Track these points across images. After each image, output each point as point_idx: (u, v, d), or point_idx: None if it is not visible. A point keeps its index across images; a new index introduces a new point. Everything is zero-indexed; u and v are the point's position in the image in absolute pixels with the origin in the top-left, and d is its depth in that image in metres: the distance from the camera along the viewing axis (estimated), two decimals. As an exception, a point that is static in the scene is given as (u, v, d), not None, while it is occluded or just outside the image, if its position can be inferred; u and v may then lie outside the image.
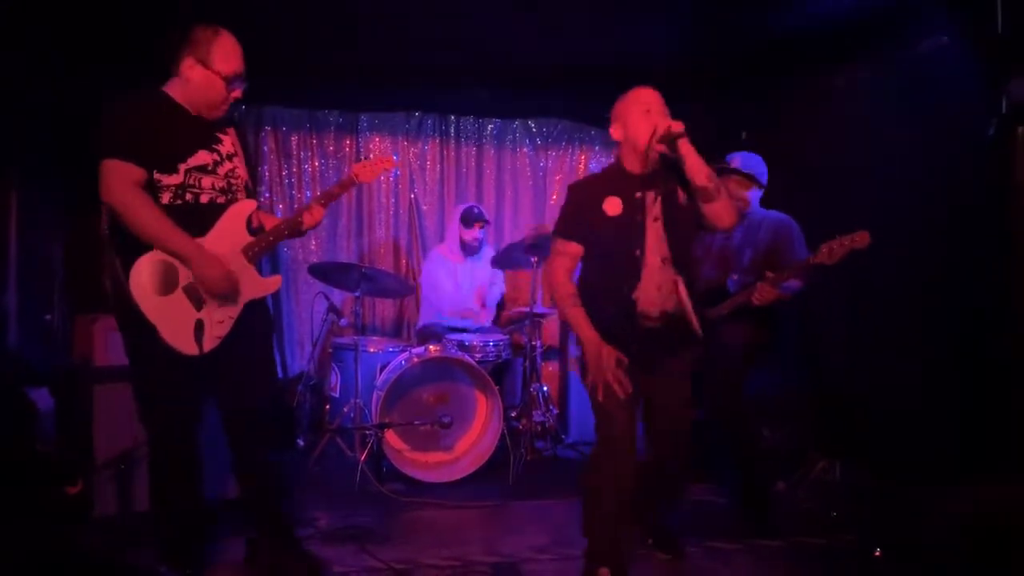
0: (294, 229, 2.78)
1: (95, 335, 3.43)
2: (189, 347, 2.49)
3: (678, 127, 2.56)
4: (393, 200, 5.64)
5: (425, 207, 5.68)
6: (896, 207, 3.78)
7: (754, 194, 3.59)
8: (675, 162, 2.63)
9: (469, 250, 4.93)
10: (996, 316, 3.35)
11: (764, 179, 3.60)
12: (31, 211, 4.06)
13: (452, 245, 4.96)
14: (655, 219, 2.67)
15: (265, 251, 2.72)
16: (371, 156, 2.83)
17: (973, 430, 3.41)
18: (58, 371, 3.72)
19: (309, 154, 5.48)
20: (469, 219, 4.84)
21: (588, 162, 5.86)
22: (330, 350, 4.76)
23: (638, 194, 2.68)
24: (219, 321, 2.57)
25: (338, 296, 5.14)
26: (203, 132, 2.64)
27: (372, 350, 4.46)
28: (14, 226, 3.94)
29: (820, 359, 4.46)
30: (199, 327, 2.50)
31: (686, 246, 2.76)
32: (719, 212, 2.63)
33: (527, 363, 4.64)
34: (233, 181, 2.67)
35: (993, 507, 2.51)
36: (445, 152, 5.71)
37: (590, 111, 5.61)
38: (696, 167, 2.57)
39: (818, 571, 3.06)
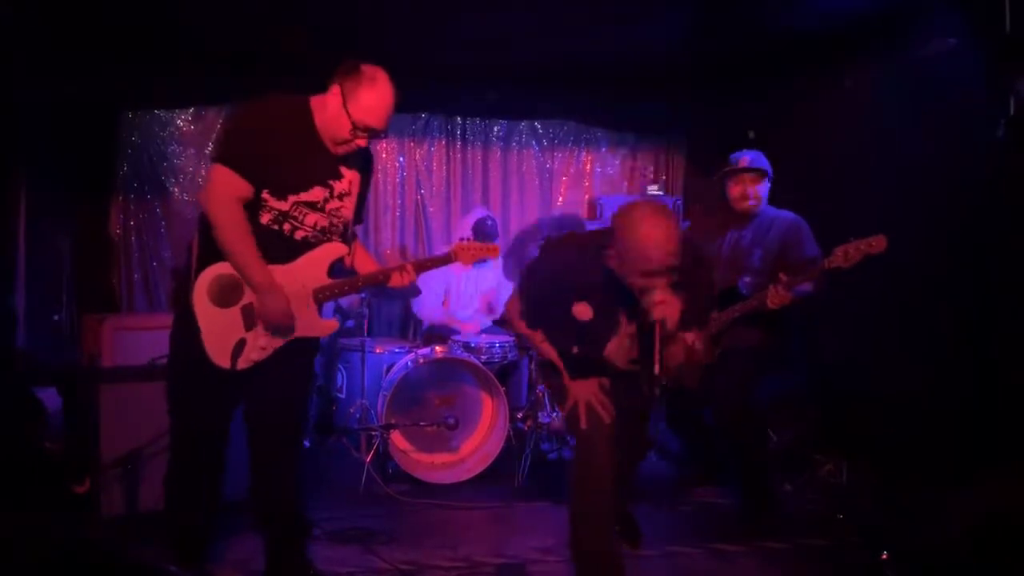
0: (374, 284, 2.74)
1: (103, 335, 3.45)
2: (223, 360, 2.49)
3: (682, 339, 2.33)
4: (399, 201, 5.65)
5: (431, 208, 5.68)
6: (903, 207, 3.77)
7: (764, 188, 3.59)
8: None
9: None
10: (1003, 316, 3.33)
11: (769, 170, 3.62)
12: (40, 211, 4.09)
13: (459, 248, 4.96)
14: (628, 336, 2.51)
15: (336, 297, 2.70)
16: (476, 240, 2.81)
17: (980, 430, 3.39)
18: (66, 370, 3.74)
19: (316, 155, 5.48)
20: (482, 233, 4.81)
21: (594, 163, 5.86)
22: (337, 351, 4.77)
23: (614, 312, 2.49)
24: (261, 347, 2.54)
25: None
26: (327, 165, 2.55)
27: (378, 351, 4.46)
28: (23, 226, 3.97)
29: (825, 361, 4.44)
30: (239, 345, 2.50)
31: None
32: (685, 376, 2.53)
33: (533, 365, 4.64)
34: (335, 221, 2.61)
35: (1001, 507, 2.50)
36: (452, 153, 5.71)
37: (596, 112, 5.61)
38: (671, 358, 2.35)
39: (824, 574, 3.05)
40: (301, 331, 2.59)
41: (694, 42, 4.52)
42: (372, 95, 2.46)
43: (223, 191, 2.41)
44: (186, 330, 2.50)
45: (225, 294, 2.49)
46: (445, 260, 2.86)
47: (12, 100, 3.83)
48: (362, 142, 2.52)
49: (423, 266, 2.88)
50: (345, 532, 3.32)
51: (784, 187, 3.69)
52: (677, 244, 2.25)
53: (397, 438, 4.13)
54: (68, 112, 4.35)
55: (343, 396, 4.58)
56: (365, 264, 2.79)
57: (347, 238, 2.70)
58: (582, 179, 5.84)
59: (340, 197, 2.59)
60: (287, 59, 4.71)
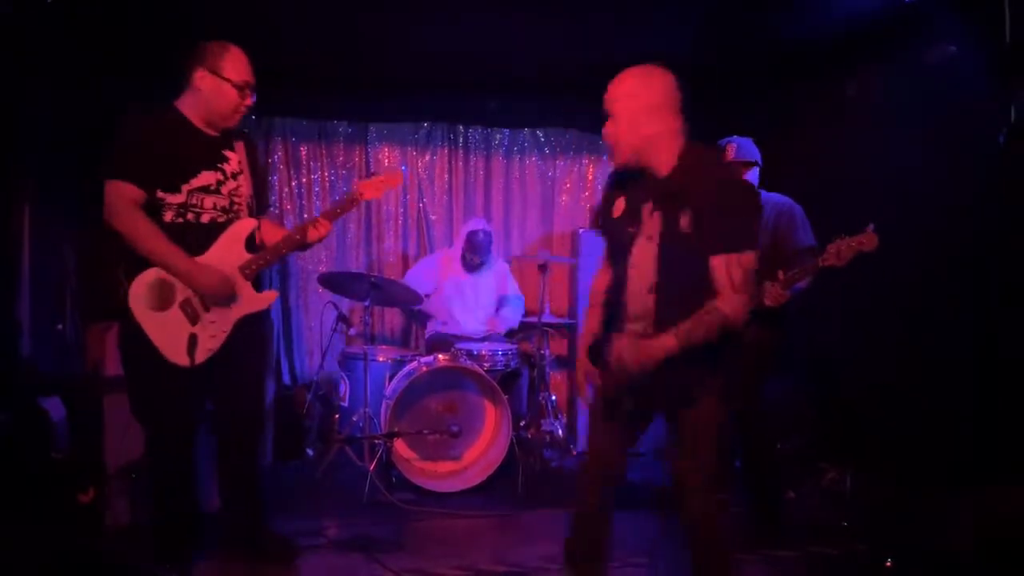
0: (295, 245, 2.84)
1: (107, 344, 3.46)
2: (181, 359, 2.62)
3: None
4: (402, 210, 5.67)
5: (434, 216, 5.69)
6: (905, 214, 3.77)
7: (753, 176, 3.59)
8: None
9: (469, 267, 4.96)
10: (1006, 321, 3.34)
11: (759, 158, 3.61)
12: (44, 221, 4.09)
13: (456, 254, 5.00)
14: (648, 238, 2.27)
15: (262, 268, 2.80)
16: (377, 172, 2.77)
17: (985, 436, 3.39)
18: (70, 380, 3.74)
19: (318, 164, 5.50)
20: (472, 244, 4.86)
21: (596, 171, 5.87)
22: (340, 359, 4.77)
23: (642, 204, 2.32)
24: (211, 335, 2.70)
25: (347, 305, 5.15)
26: (209, 151, 2.72)
27: (381, 359, 4.46)
28: (27, 236, 3.97)
29: (828, 367, 4.44)
30: (192, 341, 2.63)
31: (683, 278, 2.21)
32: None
33: (535, 372, 4.65)
34: (236, 200, 2.76)
35: (1007, 513, 2.50)
36: (454, 162, 5.72)
37: (598, 120, 5.61)
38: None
39: (829, 581, 3.05)
40: (242, 308, 2.75)
41: (701, 48, 4.53)
42: (233, 56, 2.70)
43: (120, 201, 2.57)
44: (136, 342, 2.63)
45: (160, 297, 2.62)
46: (353, 200, 2.99)
47: (17, 107, 3.84)
48: (250, 101, 2.73)
49: (334, 212, 2.97)
50: (349, 541, 3.32)
51: (787, 192, 3.69)
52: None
53: (400, 446, 4.13)
54: (73, 121, 4.36)
55: (346, 404, 4.58)
56: (275, 236, 2.89)
57: (253, 215, 2.84)
58: (584, 187, 5.85)
59: (234, 176, 2.76)
60: (294, 71, 4.73)
